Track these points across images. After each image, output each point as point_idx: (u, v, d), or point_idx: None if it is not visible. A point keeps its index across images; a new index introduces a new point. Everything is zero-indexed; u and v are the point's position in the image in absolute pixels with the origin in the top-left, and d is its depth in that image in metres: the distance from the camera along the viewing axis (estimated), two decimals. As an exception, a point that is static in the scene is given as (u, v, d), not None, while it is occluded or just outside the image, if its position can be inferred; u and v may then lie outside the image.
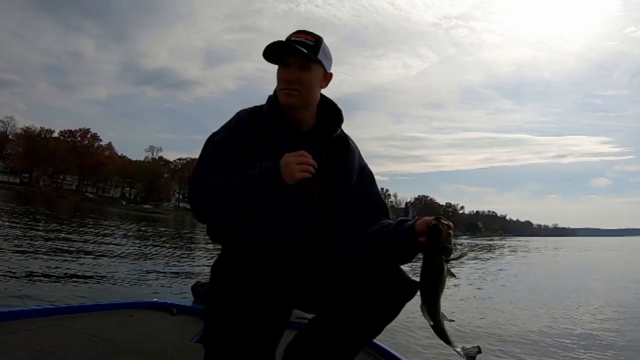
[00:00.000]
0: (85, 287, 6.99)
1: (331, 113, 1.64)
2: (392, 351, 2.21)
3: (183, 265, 10.87)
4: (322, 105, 1.63)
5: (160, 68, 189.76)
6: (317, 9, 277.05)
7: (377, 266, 1.45)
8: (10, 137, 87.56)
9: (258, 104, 1.64)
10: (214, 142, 1.58)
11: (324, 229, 1.57)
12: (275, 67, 1.55)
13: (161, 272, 9.36)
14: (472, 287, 11.38)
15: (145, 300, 2.91)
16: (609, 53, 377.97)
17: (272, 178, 1.41)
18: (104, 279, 7.93)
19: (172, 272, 9.52)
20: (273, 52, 1.49)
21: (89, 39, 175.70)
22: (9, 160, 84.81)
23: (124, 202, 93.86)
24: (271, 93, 1.61)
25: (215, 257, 1.66)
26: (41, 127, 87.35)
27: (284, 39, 1.52)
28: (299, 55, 1.48)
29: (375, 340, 1.87)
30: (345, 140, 1.65)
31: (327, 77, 1.60)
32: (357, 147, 1.68)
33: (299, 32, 1.53)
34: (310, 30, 1.54)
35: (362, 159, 1.67)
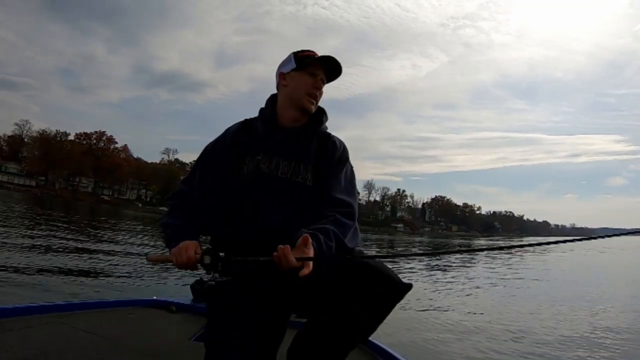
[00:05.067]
0: (84, 285, 6.98)
1: (318, 113, 1.83)
2: (391, 350, 2.19)
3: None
4: None
5: (171, 70, 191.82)
6: (324, 11, 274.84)
7: (369, 267, 1.50)
8: (26, 139, 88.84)
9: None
10: (205, 149, 1.82)
11: (317, 213, 1.66)
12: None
13: (161, 271, 9.39)
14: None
15: (145, 298, 2.90)
16: (620, 51, 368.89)
17: (170, 248, 1.59)
18: (104, 276, 7.97)
19: (171, 271, 9.34)
20: (311, 63, 1.74)
21: (100, 42, 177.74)
22: (24, 163, 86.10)
23: (140, 204, 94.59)
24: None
25: None
26: (57, 130, 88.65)
27: (290, 46, 1.58)
28: (333, 76, 1.81)
29: (373, 340, 1.93)
30: (328, 136, 1.82)
31: None
32: (342, 143, 1.83)
33: (325, 55, 1.76)
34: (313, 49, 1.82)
35: (345, 153, 1.82)
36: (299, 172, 1.71)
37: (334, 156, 1.77)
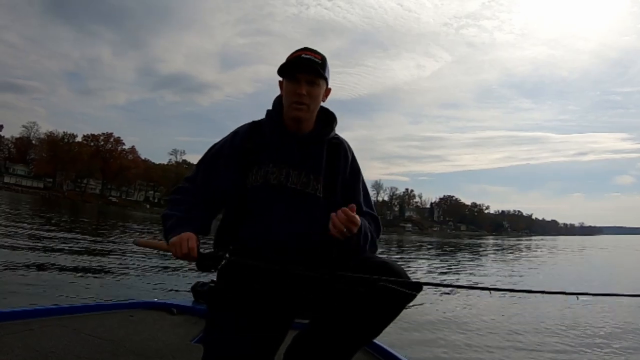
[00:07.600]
0: (85, 287, 6.93)
1: (326, 118, 1.77)
2: (392, 350, 2.19)
3: (183, 265, 10.47)
4: (318, 113, 1.76)
5: (176, 72, 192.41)
6: (327, 12, 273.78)
7: (380, 267, 1.46)
8: (33, 142, 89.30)
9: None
10: (210, 150, 1.77)
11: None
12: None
13: (161, 272, 9.35)
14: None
15: (145, 300, 2.92)
16: (625, 50, 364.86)
17: (169, 238, 1.59)
18: (105, 279, 7.96)
19: (172, 272, 9.41)
20: (287, 69, 1.65)
21: (105, 45, 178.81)
22: (32, 165, 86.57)
23: (148, 206, 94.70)
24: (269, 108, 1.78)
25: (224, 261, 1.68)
26: (64, 132, 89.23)
27: (293, 47, 1.69)
28: (311, 73, 1.63)
29: (374, 340, 1.93)
30: (339, 142, 1.77)
31: (327, 92, 1.75)
32: (350, 149, 1.79)
33: (306, 49, 1.67)
34: (315, 48, 1.68)
35: (355, 161, 1.79)
36: (309, 183, 1.66)
37: (347, 167, 1.73)
